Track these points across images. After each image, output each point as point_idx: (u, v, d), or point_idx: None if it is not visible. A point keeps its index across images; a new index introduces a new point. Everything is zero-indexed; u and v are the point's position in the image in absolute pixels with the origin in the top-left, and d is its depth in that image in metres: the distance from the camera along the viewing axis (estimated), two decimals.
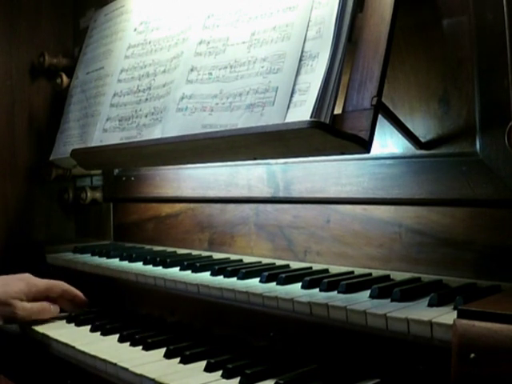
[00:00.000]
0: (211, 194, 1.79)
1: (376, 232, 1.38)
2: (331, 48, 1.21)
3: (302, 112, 1.20)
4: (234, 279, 1.42)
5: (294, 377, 1.07)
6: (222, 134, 1.30)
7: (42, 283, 1.59)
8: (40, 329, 1.51)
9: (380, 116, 1.18)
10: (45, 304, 1.53)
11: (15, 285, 1.52)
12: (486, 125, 1.19)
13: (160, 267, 1.63)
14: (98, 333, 1.46)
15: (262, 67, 1.32)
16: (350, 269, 1.42)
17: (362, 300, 1.15)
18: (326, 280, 1.26)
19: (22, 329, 1.56)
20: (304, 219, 1.54)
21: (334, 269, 1.44)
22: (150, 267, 1.65)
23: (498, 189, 1.17)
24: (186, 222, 1.91)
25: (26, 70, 2.28)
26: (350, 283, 1.23)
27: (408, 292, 1.13)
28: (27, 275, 1.60)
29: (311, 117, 1.17)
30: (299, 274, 1.39)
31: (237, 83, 1.37)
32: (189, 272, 1.54)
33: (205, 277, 1.47)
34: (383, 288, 1.18)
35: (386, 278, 1.33)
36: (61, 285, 1.62)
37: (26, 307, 1.49)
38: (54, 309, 1.55)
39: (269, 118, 1.25)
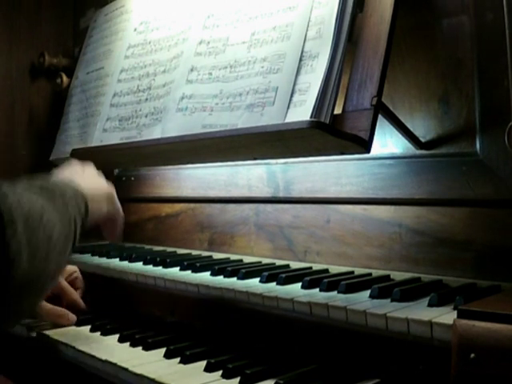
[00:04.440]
0: (211, 193, 1.79)
1: (376, 232, 1.38)
2: (331, 48, 1.21)
3: (301, 112, 1.20)
4: (234, 279, 1.42)
5: (294, 377, 1.07)
6: (222, 133, 1.30)
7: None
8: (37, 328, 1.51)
9: (380, 116, 1.18)
10: (65, 311, 1.51)
11: None
12: (486, 125, 1.19)
13: (160, 267, 1.63)
14: (98, 333, 1.46)
15: (262, 67, 1.32)
16: (350, 269, 1.42)
17: (362, 300, 1.15)
18: (326, 280, 1.26)
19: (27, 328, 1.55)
20: (304, 219, 1.54)
21: (334, 269, 1.44)
22: (150, 267, 1.65)
23: (498, 189, 1.17)
24: (186, 222, 1.91)
25: (26, 70, 2.28)
26: (349, 283, 1.23)
27: (408, 292, 1.13)
28: None
29: (311, 117, 1.17)
30: (299, 273, 1.39)
31: (237, 83, 1.37)
32: (189, 272, 1.54)
33: (205, 277, 1.47)
34: (383, 288, 1.18)
35: (386, 277, 1.33)
36: (75, 272, 1.61)
37: (45, 307, 1.47)
38: (71, 317, 1.52)
39: (269, 117, 1.25)
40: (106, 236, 1.40)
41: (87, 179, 1.30)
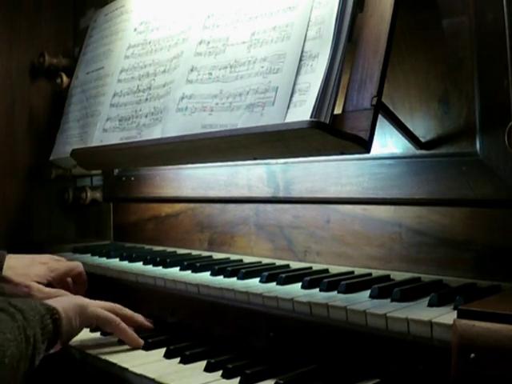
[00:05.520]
0: (211, 193, 1.79)
1: (376, 232, 1.38)
2: (331, 48, 1.21)
3: (301, 112, 1.20)
4: (234, 279, 1.42)
5: (294, 377, 1.07)
6: (222, 133, 1.30)
7: (62, 266, 1.66)
8: None
9: (380, 116, 1.17)
10: (62, 292, 1.56)
11: (37, 269, 1.60)
12: (486, 125, 1.19)
13: (160, 267, 1.63)
14: (98, 333, 1.46)
15: (262, 67, 1.32)
16: (350, 269, 1.42)
17: (362, 300, 1.15)
18: (326, 280, 1.26)
19: None
20: (304, 219, 1.54)
21: (334, 269, 1.44)
22: (150, 267, 1.65)
23: (498, 189, 1.17)
24: (186, 222, 1.91)
25: (26, 70, 2.28)
26: (349, 283, 1.23)
27: (408, 292, 1.13)
28: (49, 257, 1.70)
29: (311, 117, 1.17)
30: (299, 273, 1.39)
31: (237, 83, 1.37)
32: (189, 272, 1.54)
33: (205, 277, 1.47)
34: (383, 288, 1.18)
35: (386, 278, 1.33)
36: (78, 267, 1.68)
37: (42, 290, 1.54)
38: None
39: (269, 117, 1.25)
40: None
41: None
